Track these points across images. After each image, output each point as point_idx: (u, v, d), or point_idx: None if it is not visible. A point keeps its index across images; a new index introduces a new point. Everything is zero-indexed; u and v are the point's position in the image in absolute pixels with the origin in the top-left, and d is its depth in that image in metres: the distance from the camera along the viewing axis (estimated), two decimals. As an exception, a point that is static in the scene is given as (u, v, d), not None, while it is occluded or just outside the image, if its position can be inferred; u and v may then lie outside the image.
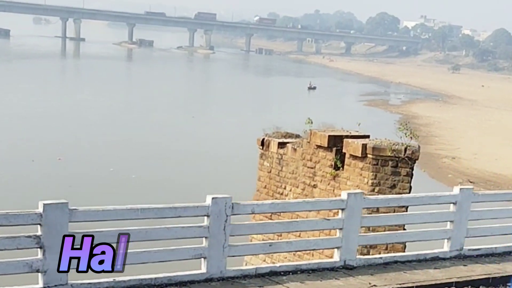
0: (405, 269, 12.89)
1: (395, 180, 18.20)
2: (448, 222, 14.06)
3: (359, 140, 18.72)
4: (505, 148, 75.65)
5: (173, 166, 55.25)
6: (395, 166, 18.16)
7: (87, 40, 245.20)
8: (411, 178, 18.27)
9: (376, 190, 18.23)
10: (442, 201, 14.64)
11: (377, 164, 18.25)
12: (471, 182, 55.13)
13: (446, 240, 14.09)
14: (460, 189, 13.97)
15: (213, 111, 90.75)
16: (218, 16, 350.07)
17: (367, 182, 18.42)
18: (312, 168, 20.09)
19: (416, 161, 18.27)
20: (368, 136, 19.38)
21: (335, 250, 12.81)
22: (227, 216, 11.09)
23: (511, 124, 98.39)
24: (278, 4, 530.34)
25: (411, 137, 18.02)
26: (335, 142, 19.26)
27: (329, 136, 19.34)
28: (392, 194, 17.77)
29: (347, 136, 19.21)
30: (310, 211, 13.06)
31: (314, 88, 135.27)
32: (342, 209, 12.53)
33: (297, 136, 21.58)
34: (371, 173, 18.29)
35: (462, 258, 14.04)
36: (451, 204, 13.99)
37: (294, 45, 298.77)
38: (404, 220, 14.65)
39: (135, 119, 78.01)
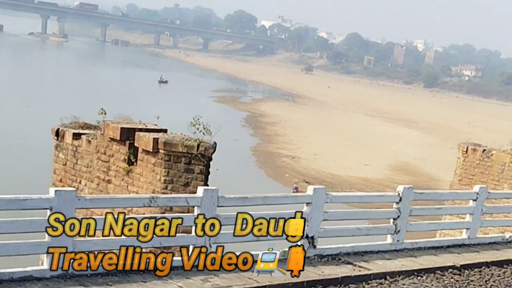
0: None
1: (188, 178, 16.97)
2: None
3: (151, 134, 17.33)
4: (345, 149, 76.95)
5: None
6: (188, 163, 16.90)
7: None
8: (206, 176, 17.11)
9: (169, 188, 16.99)
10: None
11: (169, 160, 16.94)
12: (306, 182, 55.25)
13: None
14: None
15: (51, 102, 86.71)
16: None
17: (160, 179, 17.11)
18: (106, 162, 18.52)
19: (211, 158, 17.10)
20: (165, 130, 18.02)
21: None
22: None
23: (355, 126, 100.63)
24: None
25: (204, 133, 16.81)
26: (129, 135, 17.72)
27: (121, 128, 17.72)
28: (186, 192, 16.66)
29: (140, 129, 17.76)
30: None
31: (166, 81, 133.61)
32: None
33: (96, 127, 19.94)
34: (164, 170, 16.95)
35: None
36: None
37: (151, 38, 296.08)
38: None
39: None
